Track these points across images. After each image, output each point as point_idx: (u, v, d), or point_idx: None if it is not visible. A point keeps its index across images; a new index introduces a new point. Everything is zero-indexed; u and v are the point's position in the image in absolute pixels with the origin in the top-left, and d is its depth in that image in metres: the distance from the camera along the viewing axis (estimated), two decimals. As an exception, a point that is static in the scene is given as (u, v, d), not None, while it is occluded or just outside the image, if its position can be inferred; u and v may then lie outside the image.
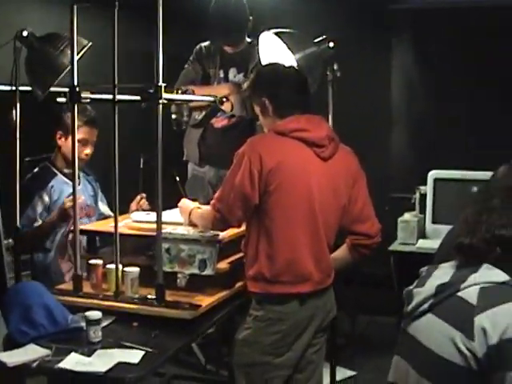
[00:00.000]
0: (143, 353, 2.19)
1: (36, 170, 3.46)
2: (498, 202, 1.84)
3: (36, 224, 3.29)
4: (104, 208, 3.63)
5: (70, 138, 3.22)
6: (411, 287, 1.93)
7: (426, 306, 1.82)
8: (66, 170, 3.45)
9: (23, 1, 3.93)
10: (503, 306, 1.69)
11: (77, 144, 3.13)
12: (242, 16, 3.82)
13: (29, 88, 2.87)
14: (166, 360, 2.28)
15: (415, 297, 1.87)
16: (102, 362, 2.12)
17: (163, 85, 2.42)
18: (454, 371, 1.70)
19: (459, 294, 1.76)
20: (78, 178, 3.40)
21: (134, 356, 2.17)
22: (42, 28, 2.94)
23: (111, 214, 3.54)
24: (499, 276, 1.76)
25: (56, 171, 3.44)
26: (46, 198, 3.35)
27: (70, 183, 3.36)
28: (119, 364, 2.11)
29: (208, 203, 2.88)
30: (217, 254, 2.61)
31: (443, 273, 1.87)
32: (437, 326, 1.78)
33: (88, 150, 3.41)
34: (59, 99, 3.13)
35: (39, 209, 3.32)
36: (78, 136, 3.21)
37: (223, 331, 3.35)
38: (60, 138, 3.42)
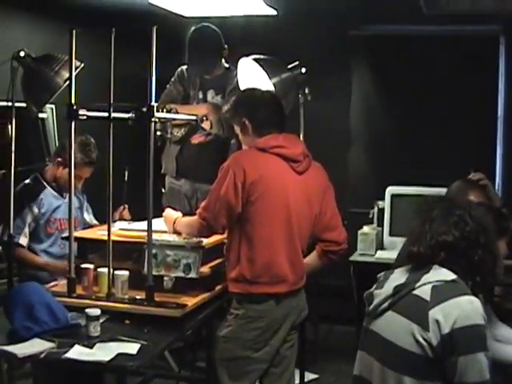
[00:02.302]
0: (139, 345, 2.39)
1: (27, 181, 3.61)
2: (437, 213, 2.08)
3: (23, 233, 3.48)
4: (89, 217, 3.82)
5: (65, 171, 3.42)
6: (371, 290, 2.15)
7: (385, 304, 2.05)
8: (54, 184, 3.62)
9: (11, 20, 4.11)
10: (453, 300, 1.93)
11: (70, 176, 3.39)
12: (216, 48, 4.00)
13: (24, 104, 3.06)
14: (160, 351, 2.50)
15: (376, 298, 2.09)
16: (103, 352, 2.32)
17: (155, 104, 2.64)
18: (413, 359, 1.93)
19: (414, 292, 1.99)
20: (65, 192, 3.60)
21: (132, 348, 2.37)
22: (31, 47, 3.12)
23: (96, 222, 3.76)
24: (447, 275, 2.00)
25: (45, 184, 3.61)
26: (36, 210, 3.54)
27: (58, 196, 3.59)
28: (119, 354, 2.31)
29: (185, 214, 3.12)
30: (200, 258, 2.80)
31: (399, 275, 2.10)
32: (397, 321, 1.99)
33: (79, 184, 3.58)
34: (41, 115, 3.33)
35: (28, 219, 3.51)
36: (74, 171, 3.49)
37: (200, 335, 3.52)
38: (58, 165, 3.57)
